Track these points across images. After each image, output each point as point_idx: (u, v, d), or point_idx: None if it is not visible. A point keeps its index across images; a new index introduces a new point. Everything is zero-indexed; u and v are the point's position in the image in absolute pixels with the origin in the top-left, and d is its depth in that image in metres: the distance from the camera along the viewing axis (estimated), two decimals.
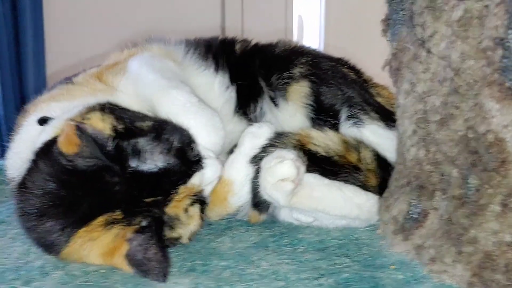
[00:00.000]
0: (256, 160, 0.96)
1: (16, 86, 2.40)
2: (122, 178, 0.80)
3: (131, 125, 0.86)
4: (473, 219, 0.73)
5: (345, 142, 0.98)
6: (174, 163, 0.86)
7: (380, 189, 0.98)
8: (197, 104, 0.96)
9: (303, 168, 0.91)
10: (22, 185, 0.83)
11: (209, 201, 0.98)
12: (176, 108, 0.94)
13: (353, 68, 1.20)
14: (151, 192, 0.82)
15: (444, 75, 0.77)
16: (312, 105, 1.07)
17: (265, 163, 0.91)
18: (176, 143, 0.87)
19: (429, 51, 0.79)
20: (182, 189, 0.86)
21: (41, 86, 2.32)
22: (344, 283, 0.77)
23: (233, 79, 1.14)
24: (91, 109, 0.88)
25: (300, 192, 0.92)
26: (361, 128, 1.04)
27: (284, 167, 0.88)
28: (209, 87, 1.13)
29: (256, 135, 0.99)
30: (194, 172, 0.89)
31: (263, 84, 1.11)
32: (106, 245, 0.79)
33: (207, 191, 0.94)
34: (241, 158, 0.97)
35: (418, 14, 0.80)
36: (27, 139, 0.92)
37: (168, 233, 0.86)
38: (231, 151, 1.01)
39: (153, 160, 0.83)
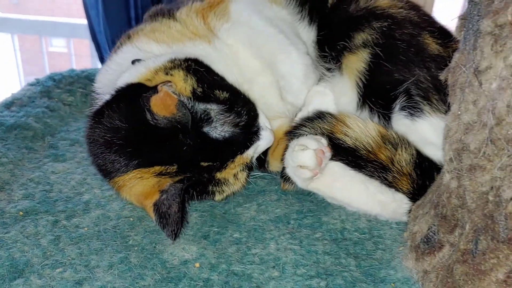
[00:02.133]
0: (292, 134, 0.96)
1: None
2: (192, 140, 0.87)
3: (209, 91, 0.91)
4: (472, 280, 0.68)
5: (383, 137, 0.91)
6: (239, 134, 0.92)
7: (415, 195, 0.92)
8: (310, 67, 1.02)
9: (327, 159, 0.89)
10: (98, 115, 0.91)
11: (268, 159, 1.05)
12: (295, 70, 1.01)
13: (445, 36, 1.01)
14: (211, 157, 0.90)
15: (486, 119, 0.66)
16: (363, 85, 0.98)
17: (291, 145, 0.92)
18: (244, 117, 0.93)
19: (481, 84, 0.67)
20: (238, 158, 0.94)
21: None
22: None
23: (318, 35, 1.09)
24: (177, 65, 0.93)
25: (321, 179, 0.92)
26: (417, 119, 0.93)
27: (304, 156, 0.89)
28: (305, 39, 1.10)
29: (323, 93, 1.00)
30: (252, 143, 0.95)
31: (327, 48, 1.04)
32: (146, 187, 0.89)
33: (254, 157, 1.00)
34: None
35: (482, 36, 0.67)
36: (118, 68, 1.01)
37: (212, 188, 0.94)
38: None
39: (222, 129, 0.90)
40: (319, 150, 0.89)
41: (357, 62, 0.99)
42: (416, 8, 1.07)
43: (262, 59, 1.02)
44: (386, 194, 0.92)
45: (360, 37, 1.00)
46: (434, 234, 0.81)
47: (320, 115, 0.95)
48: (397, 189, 0.91)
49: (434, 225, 0.81)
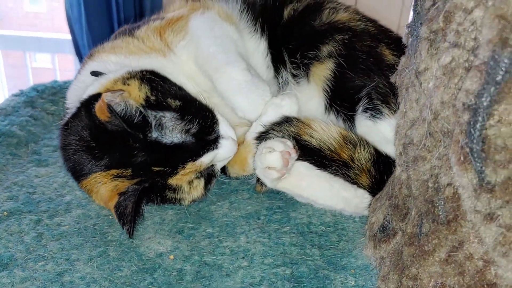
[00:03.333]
0: (261, 138, 1.03)
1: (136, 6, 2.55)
2: (142, 145, 0.94)
3: (162, 99, 0.98)
4: (418, 260, 0.75)
5: (344, 138, 0.99)
6: (189, 142, 0.97)
7: (374, 189, 1.00)
8: (251, 82, 1.05)
9: (293, 159, 0.97)
10: (66, 125, 1.01)
11: (226, 165, 1.11)
12: (231, 86, 1.05)
13: (400, 48, 1.11)
14: (161, 162, 0.95)
15: (426, 115, 0.74)
16: (331, 91, 1.07)
17: (259, 148, 0.99)
18: (197, 125, 0.98)
19: (421, 84, 0.76)
20: (189, 165, 0.98)
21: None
22: (297, 277, 0.86)
23: (270, 46, 1.16)
24: (133, 75, 1.00)
25: (289, 178, 0.99)
26: (378, 121, 1.03)
27: (271, 157, 0.96)
28: (255, 51, 1.18)
29: (279, 106, 1.05)
30: (206, 151, 1.00)
31: (286, 58, 1.12)
32: (107, 191, 0.96)
33: (218, 166, 1.06)
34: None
35: (420, 40, 0.75)
36: (82, 84, 1.09)
37: (170, 195, 1.00)
38: None
39: (171, 136, 0.96)
40: (285, 152, 0.96)
41: (324, 70, 1.08)
42: (373, 20, 1.17)
43: (207, 77, 1.09)
44: (349, 191, 0.99)
45: (325, 49, 1.09)
46: (388, 223, 0.89)
47: (287, 119, 1.03)
48: (358, 185, 0.99)
49: (388, 214, 0.89)
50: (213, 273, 0.86)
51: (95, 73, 1.06)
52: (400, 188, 0.86)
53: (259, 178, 1.07)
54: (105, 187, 0.96)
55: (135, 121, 0.93)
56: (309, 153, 1.00)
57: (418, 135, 0.78)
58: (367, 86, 1.05)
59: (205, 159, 1.00)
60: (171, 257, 0.90)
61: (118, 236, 0.95)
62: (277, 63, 1.16)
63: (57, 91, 1.49)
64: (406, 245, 0.78)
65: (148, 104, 0.95)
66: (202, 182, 1.02)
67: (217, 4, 1.19)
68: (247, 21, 1.18)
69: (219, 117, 1.04)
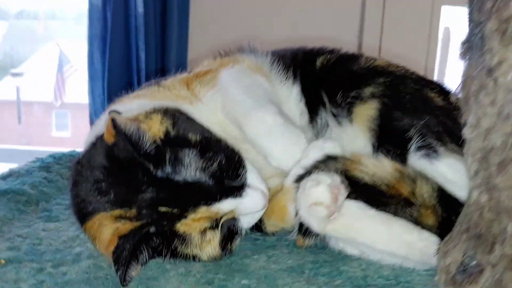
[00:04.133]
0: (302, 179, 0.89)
1: (159, 63, 2.56)
2: (151, 179, 0.81)
3: (183, 134, 0.87)
4: None
5: (400, 172, 0.85)
6: (205, 183, 0.83)
7: (442, 230, 0.83)
8: (283, 126, 0.94)
9: (343, 196, 0.82)
10: (77, 162, 0.91)
11: (262, 217, 0.96)
12: (261, 130, 0.94)
13: (445, 93, 1.04)
14: (169, 201, 0.81)
15: (509, 111, 0.62)
16: (378, 130, 0.95)
17: (302, 185, 0.85)
18: (216, 165, 0.85)
19: (495, 81, 0.65)
20: (202, 210, 0.83)
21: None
22: None
23: (303, 90, 1.08)
24: (157, 110, 0.91)
25: (339, 220, 0.83)
26: (434, 161, 0.89)
27: (318, 190, 0.81)
28: (287, 98, 1.10)
29: (321, 148, 0.92)
30: (226, 197, 0.85)
31: (326, 100, 1.03)
32: (108, 236, 0.81)
33: (245, 223, 0.91)
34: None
35: (488, 38, 0.67)
36: (100, 124, 0.98)
37: (179, 246, 0.84)
38: None
39: (185, 172, 0.82)
40: (333, 185, 0.83)
41: (368, 109, 0.98)
42: (410, 70, 1.11)
43: (235, 125, 0.99)
44: (412, 233, 0.83)
45: (367, 90, 1.01)
46: (471, 259, 0.71)
47: (331, 157, 0.90)
48: (423, 226, 0.83)
49: (469, 249, 0.72)
50: None
51: (115, 112, 0.97)
52: (480, 214, 0.71)
53: (301, 229, 0.92)
54: (107, 229, 0.82)
55: (147, 150, 0.81)
56: (362, 190, 0.85)
57: (501, 137, 0.65)
58: (416, 124, 0.94)
59: (224, 206, 0.85)
60: None
61: (135, 286, 0.78)
62: (314, 106, 1.06)
63: (74, 158, 1.39)
64: (509, 269, 0.60)
65: (167, 139, 0.85)
66: (217, 236, 0.86)
67: (246, 58, 1.15)
68: (278, 71, 1.12)
69: (248, 166, 0.92)
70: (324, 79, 1.06)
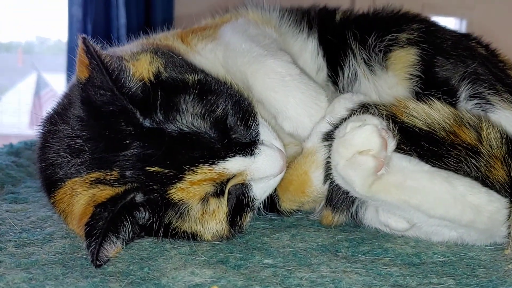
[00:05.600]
0: (332, 138, 0.71)
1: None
2: (137, 130, 0.62)
3: (178, 76, 0.68)
4: None
5: (459, 117, 0.68)
6: (207, 134, 0.64)
7: (511, 189, 0.66)
8: (299, 77, 0.77)
9: (392, 142, 0.64)
10: (47, 117, 0.72)
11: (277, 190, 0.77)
12: (273, 81, 0.76)
13: (485, 46, 0.91)
14: (161, 159, 0.62)
15: None
16: (419, 77, 0.80)
17: (339, 131, 0.67)
18: (219, 111, 0.66)
19: None
20: (202, 169, 0.63)
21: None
22: None
23: (321, 43, 0.92)
24: (146, 49, 0.73)
25: (387, 178, 0.65)
26: (489, 113, 0.74)
27: (363, 133, 0.63)
28: (302, 51, 0.93)
29: (350, 101, 0.75)
30: (233, 154, 0.65)
31: (354, 45, 0.86)
32: (81, 206, 0.61)
33: (258, 191, 0.71)
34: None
35: None
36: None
37: (174, 220, 0.65)
38: None
39: (180, 120, 0.63)
40: (381, 127, 0.65)
41: (407, 55, 0.82)
42: None
43: (239, 78, 0.81)
44: (479, 194, 0.65)
45: (403, 36, 0.86)
46: None
47: (368, 105, 0.72)
48: (491, 184, 0.66)
49: None
50: None
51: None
52: None
53: (331, 201, 0.74)
54: (80, 199, 0.62)
55: (131, 89, 0.62)
56: (414, 139, 0.67)
57: None
58: (463, 71, 0.79)
59: (231, 166, 0.65)
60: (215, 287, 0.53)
61: (125, 267, 0.59)
62: (337, 58, 0.90)
63: None
64: None
65: (158, 80, 0.66)
66: (223, 206, 0.66)
67: (252, 11, 0.98)
68: (289, 24, 0.96)
69: (260, 119, 0.73)
70: (350, 26, 0.90)
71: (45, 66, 4.21)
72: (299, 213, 0.83)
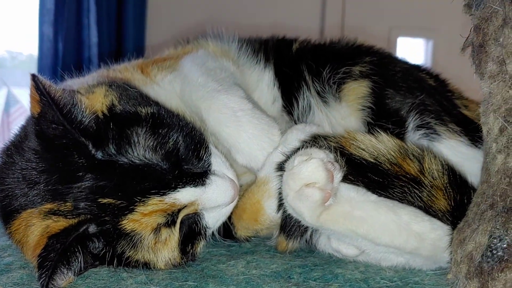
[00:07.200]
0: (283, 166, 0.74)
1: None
2: (90, 164, 0.64)
3: (131, 109, 0.71)
4: None
5: (403, 149, 0.73)
6: (158, 166, 0.66)
7: (453, 217, 0.70)
8: (251, 112, 0.79)
9: (338, 174, 0.68)
10: (3, 149, 0.73)
11: (232, 217, 0.80)
12: (225, 116, 0.78)
13: (434, 76, 0.97)
14: (112, 191, 0.64)
15: None
16: (371, 108, 0.84)
17: (289, 163, 0.70)
18: (170, 143, 0.69)
19: None
20: (153, 201, 0.65)
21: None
22: None
23: (277, 74, 0.96)
24: (101, 83, 0.76)
25: (335, 208, 0.68)
26: (435, 143, 0.79)
27: (309, 167, 0.66)
28: (258, 83, 0.97)
29: (303, 132, 0.78)
30: (184, 185, 0.68)
31: (308, 77, 0.91)
32: (35, 237, 0.63)
33: (210, 221, 0.74)
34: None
35: None
36: None
37: (127, 250, 0.67)
38: None
39: (132, 153, 0.65)
40: (327, 160, 0.68)
41: (359, 88, 0.87)
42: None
43: (194, 113, 0.83)
44: (423, 222, 0.69)
45: (356, 69, 0.90)
46: (499, 240, 0.58)
47: (319, 136, 0.76)
48: (433, 212, 0.70)
49: (497, 228, 0.59)
50: None
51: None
52: (510, 180, 0.59)
53: (284, 228, 0.77)
54: (35, 230, 0.64)
55: (83, 123, 0.65)
56: (360, 170, 0.71)
57: None
58: (411, 102, 0.84)
59: (182, 196, 0.68)
60: None
61: None
62: (291, 89, 0.93)
63: None
64: None
65: (112, 113, 0.68)
66: (175, 235, 0.69)
67: (211, 42, 1.02)
68: (247, 55, 0.99)
69: (213, 149, 0.76)
70: (306, 58, 0.94)
71: (16, 82, 4.14)
72: (257, 239, 0.85)
